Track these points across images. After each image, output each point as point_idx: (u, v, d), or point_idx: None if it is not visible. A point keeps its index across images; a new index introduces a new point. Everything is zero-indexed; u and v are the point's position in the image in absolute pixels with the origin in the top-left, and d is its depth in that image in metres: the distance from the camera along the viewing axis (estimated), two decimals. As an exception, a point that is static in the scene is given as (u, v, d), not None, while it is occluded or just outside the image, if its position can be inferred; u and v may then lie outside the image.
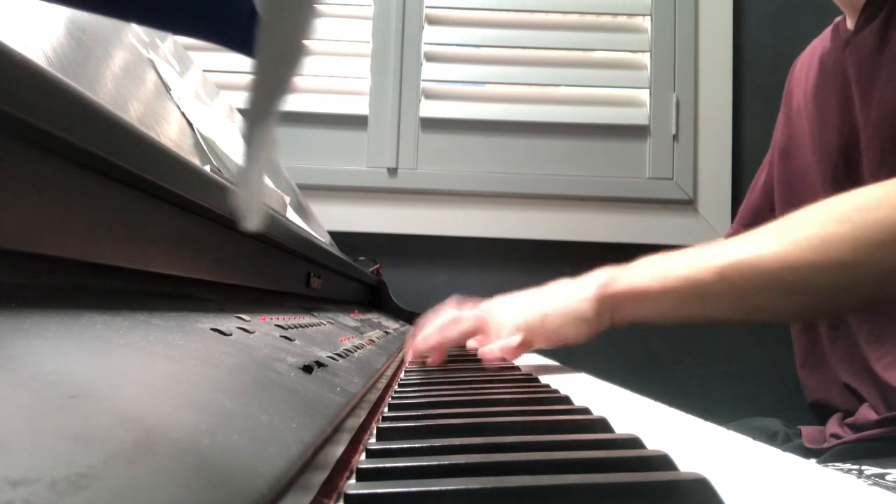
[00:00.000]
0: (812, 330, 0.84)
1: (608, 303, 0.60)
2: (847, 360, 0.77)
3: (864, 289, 0.53)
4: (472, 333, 0.67)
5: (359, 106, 1.49)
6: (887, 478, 0.54)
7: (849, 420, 0.75)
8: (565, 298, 0.62)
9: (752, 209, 0.97)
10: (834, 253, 0.52)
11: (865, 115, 0.73)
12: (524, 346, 0.62)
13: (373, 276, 1.31)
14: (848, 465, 0.59)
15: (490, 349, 0.61)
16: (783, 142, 0.91)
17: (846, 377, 0.77)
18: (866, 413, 0.72)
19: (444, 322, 0.66)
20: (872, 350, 0.73)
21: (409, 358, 0.67)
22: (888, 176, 0.67)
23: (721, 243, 0.59)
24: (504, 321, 0.64)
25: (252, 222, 0.17)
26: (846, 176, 0.77)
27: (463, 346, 0.75)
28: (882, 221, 0.50)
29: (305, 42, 0.16)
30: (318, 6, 0.16)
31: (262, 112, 0.16)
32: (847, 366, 0.78)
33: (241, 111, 0.93)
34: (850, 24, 0.77)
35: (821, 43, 0.85)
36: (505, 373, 0.57)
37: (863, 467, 0.58)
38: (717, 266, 0.56)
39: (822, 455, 0.72)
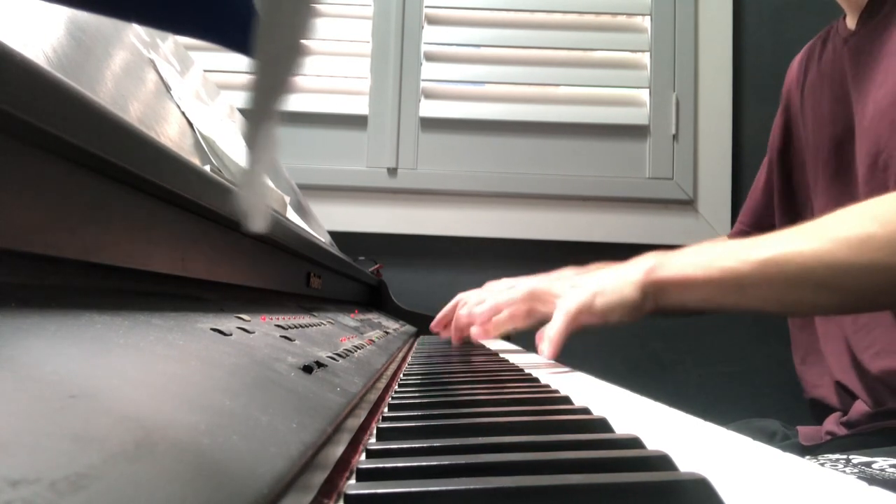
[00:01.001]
0: (809, 329, 0.85)
1: (653, 288, 0.62)
2: (837, 354, 0.78)
3: None
4: (524, 301, 0.70)
5: (359, 106, 1.49)
6: (873, 466, 0.55)
7: (844, 419, 0.75)
8: (613, 281, 0.64)
9: (755, 208, 0.98)
10: (871, 254, 0.53)
11: (861, 112, 0.73)
12: (574, 329, 0.64)
13: (373, 276, 1.31)
14: (836, 456, 0.60)
15: (546, 353, 0.63)
16: (781, 142, 0.91)
17: (838, 373, 0.78)
18: (859, 409, 0.73)
19: (498, 288, 0.70)
20: (860, 339, 0.73)
21: (471, 332, 0.70)
22: (882, 175, 0.67)
23: (764, 237, 0.61)
24: (557, 294, 0.67)
25: (256, 223, 0.17)
26: (841, 174, 0.78)
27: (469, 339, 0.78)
28: None
29: (304, 41, 0.16)
30: (317, 6, 0.16)
31: (262, 112, 0.16)
32: (837, 359, 0.78)
33: (241, 111, 0.93)
34: (850, 24, 0.77)
35: (817, 44, 0.86)
36: (505, 373, 0.57)
37: (850, 457, 0.59)
38: (757, 259, 0.58)
39: (816, 451, 0.73)
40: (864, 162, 0.72)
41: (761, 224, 0.95)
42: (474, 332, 0.75)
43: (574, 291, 0.66)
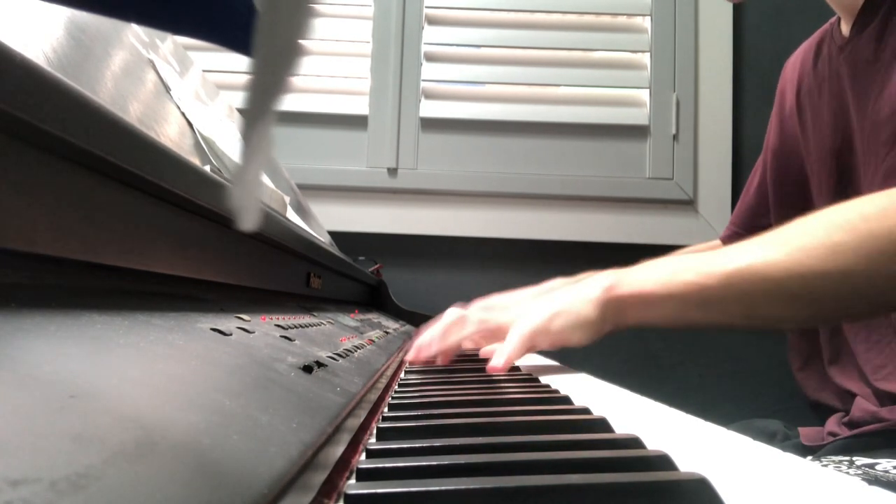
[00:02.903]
0: (811, 334, 0.85)
1: (612, 306, 0.59)
2: (845, 372, 0.78)
3: (869, 297, 0.53)
4: (475, 336, 0.66)
5: (359, 106, 1.49)
6: (877, 468, 0.55)
7: (846, 419, 0.75)
8: (569, 301, 0.61)
9: (747, 210, 0.97)
10: (839, 261, 0.51)
11: (861, 120, 0.73)
12: (528, 350, 0.61)
13: (373, 276, 1.31)
14: (839, 458, 0.60)
15: (496, 364, 0.59)
16: (776, 143, 0.91)
17: (843, 383, 0.78)
18: (862, 408, 0.73)
19: (447, 325, 0.65)
20: (869, 360, 0.73)
21: (409, 359, 0.67)
22: (884, 180, 0.67)
23: (726, 249, 0.58)
24: (508, 323, 0.63)
25: (248, 222, 0.17)
26: (839, 180, 0.78)
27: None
28: (886, 231, 0.50)
29: (302, 41, 0.16)
30: (316, 6, 0.16)
31: (259, 111, 0.16)
32: (842, 373, 0.78)
33: (240, 111, 0.93)
34: (844, 29, 0.77)
35: (812, 44, 0.85)
36: (505, 373, 0.57)
37: (854, 458, 0.58)
38: (722, 272, 0.55)
39: (818, 452, 0.73)
40: (866, 167, 0.72)
41: (754, 225, 0.94)
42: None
43: (531, 313, 0.62)
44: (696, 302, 0.56)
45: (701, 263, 0.57)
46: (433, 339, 0.65)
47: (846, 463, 0.58)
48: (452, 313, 0.67)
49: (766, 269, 0.54)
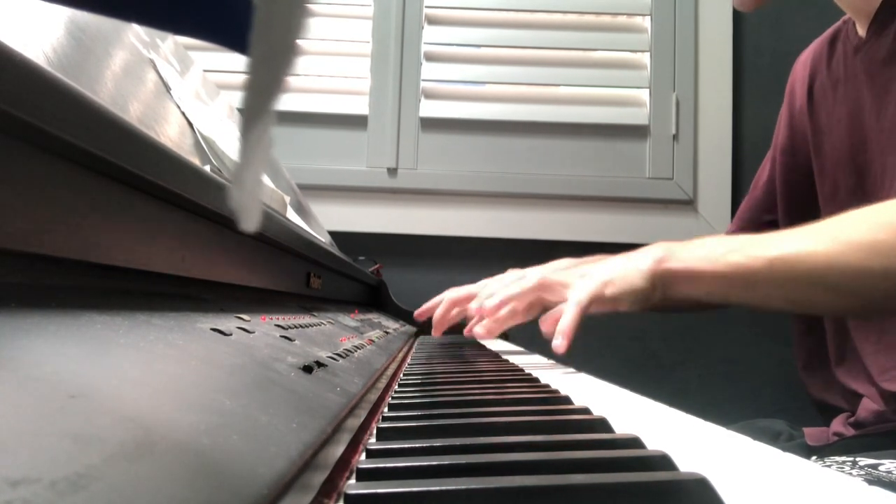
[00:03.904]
0: (816, 333, 0.84)
1: (662, 277, 0.63)
2: (852, 373, 0.77)
3: None
4: (535, 291, 0.70)
5: (359, 106, 1.49)
6: (880, 468, 0.55)
7: (852, 419, 0.75)
8: (623, 270, 0.65)
9: (754, 206, 0.97)
10: (880, 259, 0.54)
11: (880, 121, 0.73)
12: (585, 311, 0.64)
13: (373, 276, 1.31)
14: (843, 458, 0.60)
15: (559, 346, 0.63)
16: (785, 140, 0.91)
17: (850, 384, 0.77)
18: (868, 407, 0.72)
19: (509, 280, 0.70)
20: (876, 362, 0.73)
21: (473, 306, 0.72)
22: None
23: (774, 234, 0.61)
24: (567, 284, 0.67)
25: (248, 222, 0.17)
26: (855, 180, 0.77)
27: (473, 343, 0.78)
28: None
29: (299, 40, 0.16)
30: (312, 5, 0.16)
31: (257, 111, 0.16)
32: (848, 373, 0.78)
33: (238, 111, 0.93)
34: (860, 31, 0.77)
35: (825, 42, 0.85)
36: (505, 373, 0.57)
37: (857, 459, 0.58)
38: (767, 257, 0.58)
39: (822, 452, 0.73)
40: (883, 174, 0.72)
41: (760, 221, 0.95)
42: (478, 331, 0.74)
43: (584, 281, 0.66)
44: (741, 283, 0.60)
45: (749, 246, 0.60)
46: (497, 291, 0.70)
47: (849, 463, 0.58)
48: (513, 272, 0.72)
49: (808, 259, 0.56)
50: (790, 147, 0.90)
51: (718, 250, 0.61)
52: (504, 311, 0.71)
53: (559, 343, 0.62)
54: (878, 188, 0.73)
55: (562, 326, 0.62)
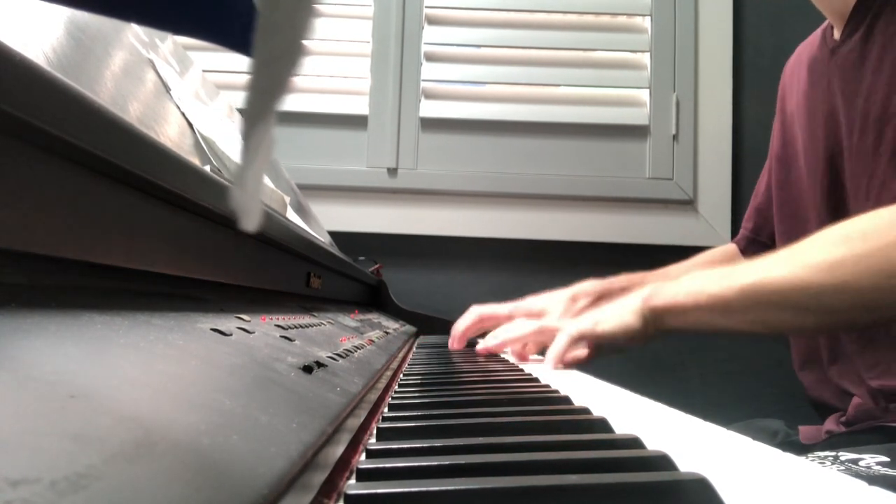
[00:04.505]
0: (812, 337, 0.85)
1: (652, 313, 0.69)
2: (843, 373, 0.79)
3: (868, 308, 0.58)
4: (533, 335, 0.77)
5: (359, 106, 1.49)
6: (860, 463, 0.56)
7: (843, 418, 0.76)
8: (613, 310, 0.71)
9: (757, 212, 0.98)
10: (840, 276, 0.56)
11: (849, 123, 0.73)
12: (575, 344, 0.71)
13: (373, 276, 1.31)
14: (826, 453, 0.60)
15: (548, 365, 0.69)
16: (779, 149, 0.91)
17: (842, 383, 0.78)
18: (857, 405, 0.73)
19: (511, 327, 0.78)
20: (863, 360, 0.74)
21: (479, 349, 0.79)
22: (880, 192, 0.68)
23: (748, 263, 0.66)
24: (562, 328, 0.73)
25: (250, 223, 0.17)
26: (832, 186, 0.78)
27: (472, 346, 0.84)
28: (882, 249, 0.55)
29: (304, 41, 0.16)
30: (317, 5, 0.15)
31: (260, 112, 0.16)
32: (840, 373, 0.79)
33: (240, 111, 0.93)
34: (836, 33, 0.77)
35: (808, 48, 0.85)
36: (505, 373, 0.57)
37: (839, 454, 0.59)
38: (738, 286, 0.63)
39: (812, 449, 0.73)
40: (852, 172, 0.73)
41: (766, 228, 0.95)
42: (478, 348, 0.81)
43: (576, 320, 0.73)
44: (720, 311, 0.65)
45: (722, 277, 0.65)
46: (498, 335, 0.78)
47: (831, 458, 0.59)
48: (519, 322, 0.80)
49: (773, 283, 0.61)
50: (784, 156, 0.90)
51: (698, 284, 0.66)
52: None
53: (548, 364, 0.68)
54: (851, 191, 0.74)
55: (550, 354, 0.69)
